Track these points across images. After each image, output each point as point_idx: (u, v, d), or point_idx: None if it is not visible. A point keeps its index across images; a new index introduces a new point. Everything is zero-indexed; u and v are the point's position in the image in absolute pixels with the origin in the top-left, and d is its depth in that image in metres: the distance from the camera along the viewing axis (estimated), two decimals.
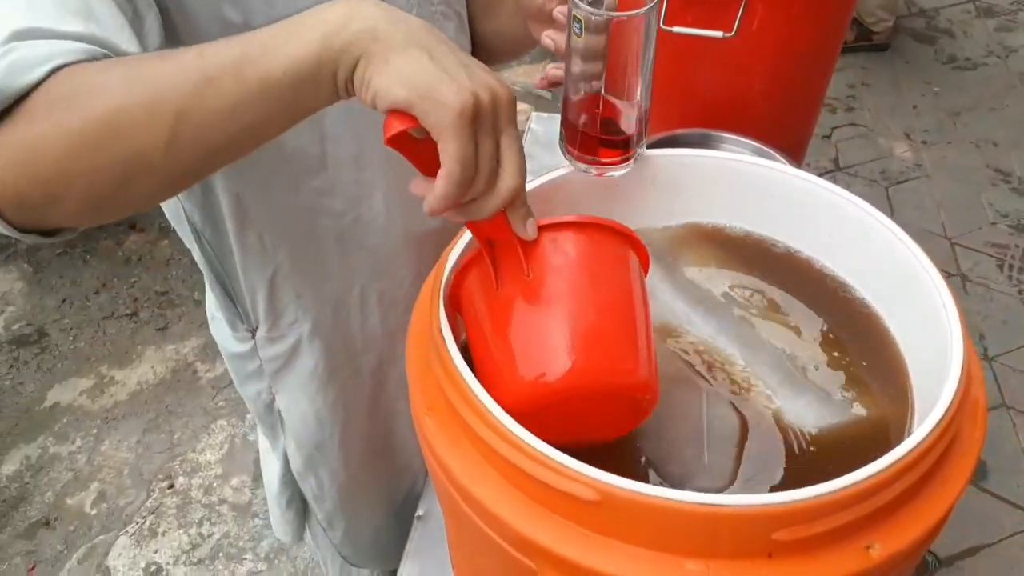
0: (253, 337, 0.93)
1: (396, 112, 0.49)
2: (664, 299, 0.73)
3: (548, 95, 2.77)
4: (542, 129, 1.76)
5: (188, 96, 0.49)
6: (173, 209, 0.85)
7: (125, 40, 0.57)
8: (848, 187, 0.72)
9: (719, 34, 1.15)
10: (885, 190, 2.58)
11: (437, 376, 0.59)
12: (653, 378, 0.59)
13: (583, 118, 0.68)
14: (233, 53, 0.50)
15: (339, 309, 0.93)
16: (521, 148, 0.52)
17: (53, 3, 0.55)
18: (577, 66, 0.65)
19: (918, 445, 0.49)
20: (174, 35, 0.68)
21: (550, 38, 0.75)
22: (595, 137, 0.69)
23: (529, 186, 0.75)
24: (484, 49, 0.96)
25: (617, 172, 0.71)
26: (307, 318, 0.92)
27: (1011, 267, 2.32)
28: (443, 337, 0.60)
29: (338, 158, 0.81)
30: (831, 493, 0.47)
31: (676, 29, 1.16)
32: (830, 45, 1.41)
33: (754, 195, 0.78)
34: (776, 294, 0.75)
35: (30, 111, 0.50)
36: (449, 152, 0.48)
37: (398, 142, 0.51)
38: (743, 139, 1.12)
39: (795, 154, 1.51)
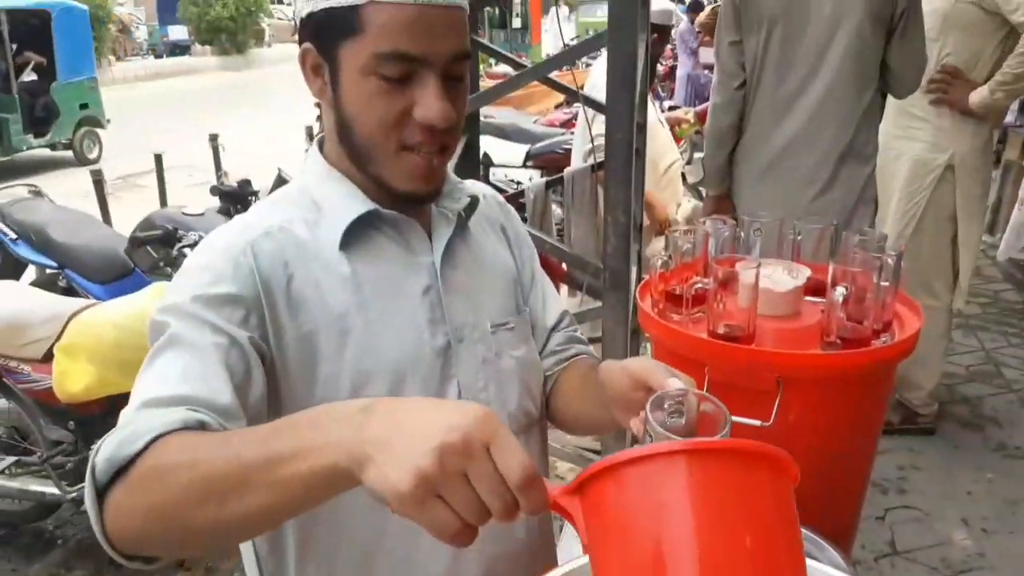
0: None
1: None
2: None
3: (597, 456, 2.83)
4: None
5: (228, 492, 0.62)
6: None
7: (226, 396, 0.75)
8: (907, 573, 0.72)
9: (757, 423, 1.24)
10: None
11: None
12: None
13: None
14: (260, 459, 0.62)
15: None
16: (511, 455, 0.56)
17: (179, 374, 0.75)
18: None
19: None
20: (273, 385, 0.87)
21: (639, 427, 0.85)
22: None
23: (572, 564, 0.79)
24: (575, 428, 1.12)
25: None
26: None
27: None
28: None
29: None
30: None
31: None
32: (867, 433, 1.48)
33: None
34: None
35: (130, 478, 0.66)
36: (423, 525, 0.56)
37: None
38: None
39: (843, 537, 1.50)
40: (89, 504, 0.67)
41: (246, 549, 0.98)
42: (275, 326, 0.86)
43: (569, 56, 2.54)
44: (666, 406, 0.76)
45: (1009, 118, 4.84)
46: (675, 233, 1.60)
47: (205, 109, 9.28)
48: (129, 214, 5.62)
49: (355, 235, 0.92)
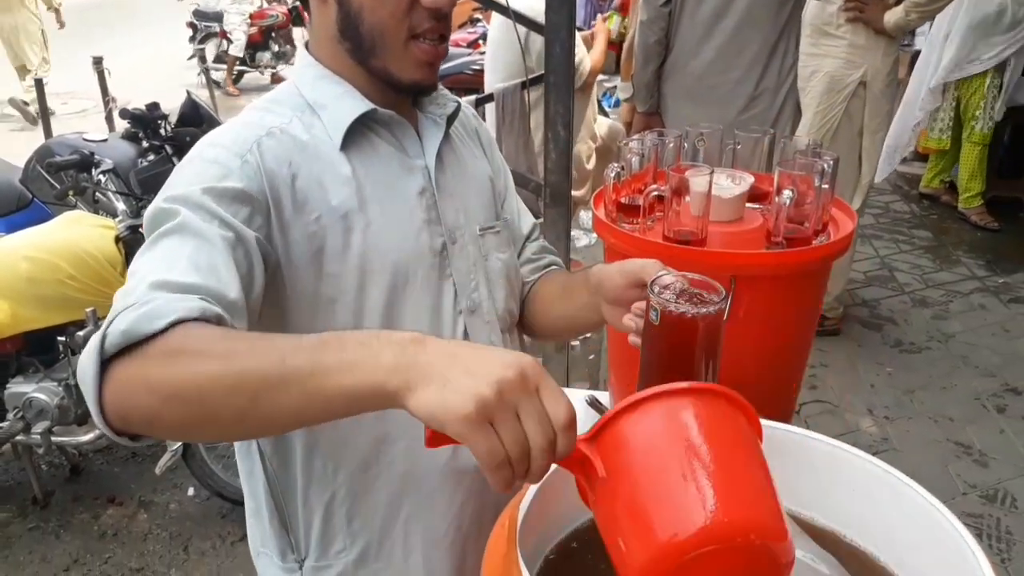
0: (300, 568, 0.98)
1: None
2: None
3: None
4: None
5: (263, 391, 0.62)
6: (244, 444, 0.95)
7: (235, 292, 0.74)
8: None
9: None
10: None
11: None
12: (787, 535, 0.61)
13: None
14: (306, 365, 0.62)
15: (384, 540, 0.98)
16: (557, 399, 0.60)
17: (188, 260, 0.73)
18: (652, 351, 0.77)
19: None
20: (277, 283, 0.87)
21: (632, 320, 0.89)
22: None
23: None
24: (546, 332, 1.15)
25: None
26: (354, 548, 0.98)
27: (989, 536, 2.38)
28: None
29: None
30: None
31: None
32: (807, 328, 1.58)
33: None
34: (828, 560, 0.80)
35: (147, 354, 0.64)
36: (473, 451, 0.59)
37: (437, 444, 0.63)
38: None
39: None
40: (88, 374, 0.64)
41: (251, 464, 0.98)
42: (281, 224, 0.86)
43: None
44: (665, 289, 0.80)
45: None
46: (624, 146, 1.63)
47: (73, 33, 8.57)
48: (7, 144, 5.22)
49: (353, 136, 0.93)
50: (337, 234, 0.89)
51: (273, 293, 0.87)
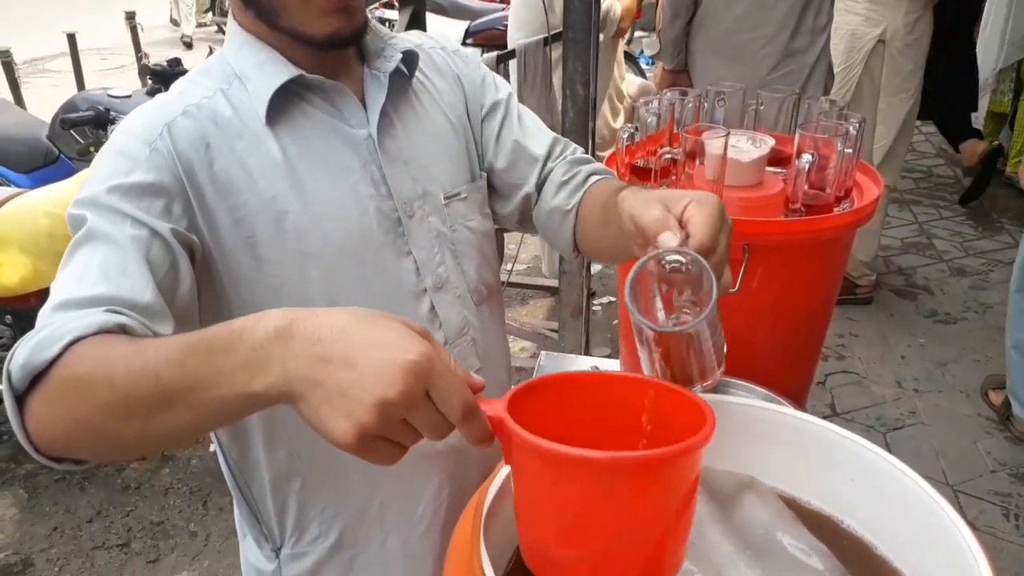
0: (277, 556, 0.96)
1: None
2: (713, 539, 0.75)
3: (555, 335, 2.88)
4: (550, 366, 1.83)
5: (152, 413, 0.59)
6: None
7: (149, 295, 0.70)
8: None
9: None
10: (883, 436, 2.62)
11: None
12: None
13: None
14: (181, 381, 0.58)
15: (359, 525, 0.95)
16: (448, 399, 0.56)
17: (97, 269, 0.69)
18: (645, 353, 0.72)
19: None
20: (212, 272, 0.83)
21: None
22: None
23: None
24: (604, 259, 1.07)
25: None
26: (330, 534, 0.95)
27: (1017, 516, 2.31)
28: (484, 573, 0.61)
29: None
30: None
31: None
32: (826, 300, 1.52)
33: (781, 446, 0.82)
34: (819, 550, 0.76)
35: (48, 385, 0.62)
36: (365, 459, 0.56)
37: None
38: (752, 386, 1.18)
39: (798, 400, 1.57)
40: (9, 410, 0.63)
41: (217, 448, 0.96)
42: (204, 212, 0.80)
43: None
44: (659, 266, 0.74)
45: None
46: (640, 106, 1.56)
47: None
48: (42, 100, 5.27)
49: (282, 107, 0.85)
50: (268, 219, 0.83)
51: (212, 283, 0.83)
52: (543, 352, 1.91)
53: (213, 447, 2.68)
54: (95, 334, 0.63)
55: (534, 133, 1.05)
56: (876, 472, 0.76)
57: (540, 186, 1.04)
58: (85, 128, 2.53)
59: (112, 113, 2.49)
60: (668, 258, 0.70)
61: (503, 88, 1.05)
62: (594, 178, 1.03)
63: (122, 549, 2.30)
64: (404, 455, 0.58)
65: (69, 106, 2.89)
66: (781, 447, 0.83)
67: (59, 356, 0.61)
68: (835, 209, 1.42)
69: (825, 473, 0.81)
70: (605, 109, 3.45)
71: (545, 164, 1.04)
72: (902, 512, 0.73)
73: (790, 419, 0.83)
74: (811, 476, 0.83)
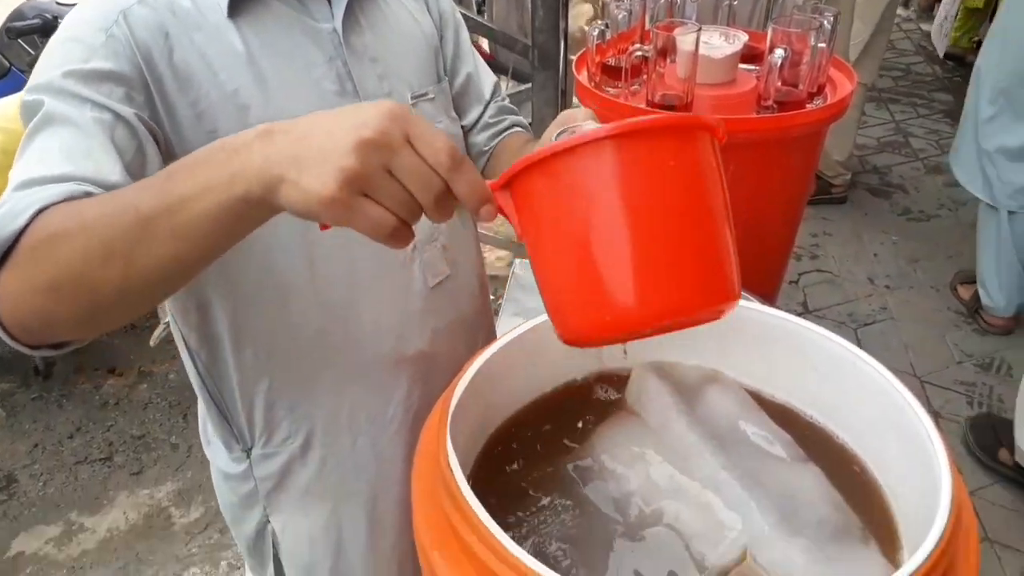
0: (248, 457, 0.96)
1: None
2: (679, 429, 0.76)
3: None
4: (525, 273, 1.83)
5: (133, 248, 0.57)
6: (174, 331, 0.93)
7: (117, 175, 0.67)
8: None
9: None
10: (854, 332, 2.67)
11: (447, 512, 0.61)
12: (727, 294, 0.56)
13: None
14: (161, 205, 0.56)
15: (329, 427, 0.96)
16: (431, 142, 0.53)
17: (59, 151, 0.66)
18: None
19: (918, 568, 0.51)
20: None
21: None
22: None
23: (519, 330, 0.80)
24: None
25: None
26: (299, 434, 0.95)
27: (980, 403, 2.38)
28: (452, 472, 0.62)
29: (326, 278, 0.87)
30: None
31: None
32: (797, 198, 1.52)
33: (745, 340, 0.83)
34: (782, 439, 0.78)
35: (17, 258, 0.59)
36: (357, 230, 0.53)
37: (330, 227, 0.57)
38: None
39: (769, 298, 1.58)
40: None
41: (183, 353, 0.94)
42: (165, 104, 0.77)
43: None
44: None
45: None
46: (611, 2, 1.51)
47: None
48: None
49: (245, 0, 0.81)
50: (230, 114, 0.79)
51: None
52: (517, 260, 1.90)
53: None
54: (62, 202, 0.60)
55: (482, 73, 1.08)
56: (840, 363, 0.77)
57: (473, 123, 1.08)
58: (34, 37, 2.41)
59: (59, 20, 2.38)
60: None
61: (456, 11, 1.07)
62: (515, 129, 1.09)
63: (105, 463, 2.33)
64: (400, 231, 0.54)
65: (16, 15, 2.75)
66: (748, 342, 0.84)
67: (26, 227, 0.59)
68: (808, 106, 1.40)
69: (790, 367, 0.82)
70: (580, 11, 3.34)
71: (487, 106, 1.08)
72: (864, 401, 0.75)
73: (757, 314, 0.83)
74: (776, 370, 0.84)
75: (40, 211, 0.59)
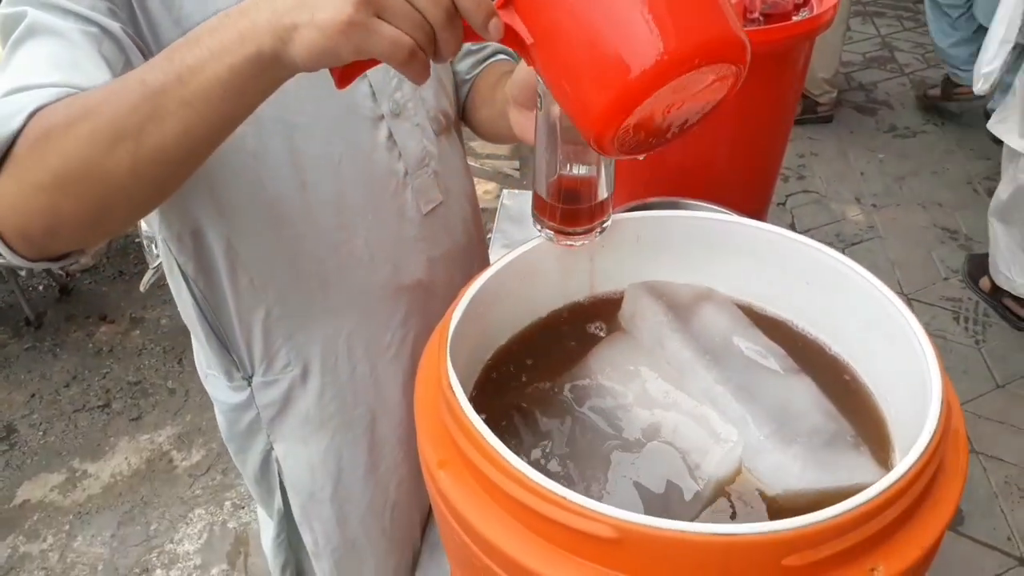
0: (249, 385, 0.97)
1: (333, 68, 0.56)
2: (673, 347, 0.77)
3: (516, 173, 2.86)
4: (513, 204, 1.82)
5: (143, 125, 0.56)
6: (167, 264, 0.92)
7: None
8: None
9: None
10: (842, 251, 2.68)
11: (450, 430, 0.61)
12: (741, 38, 0.56)
13: (549, 189, 0.73)
14: (170, 76, 0.55)
15: (327, 354, 0.96)
16: None
17: (46, 61, 0.64)
18: (543, 139, 0.70)
19: (911, 468, 0.53)
20: None
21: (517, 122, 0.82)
22: (559, 208, 0.73)
23: (508, 258, 0.80)
24: (487, 137, 1.05)
25: (578, 242, 0.75)
26: (299, 362, 0.96)
27: (966, 319, 2.42)
28: (454, 391, 0.62)
29: (318, 203, 0.87)
30: (834, 517, 0.50)
31: None
32: (785, 114, 1.50)
33: (730, 253, 0.83)
34: (775, 352, 0.78)
35: (17, 156, 0.58)
36: (377, 54, 0.53)
37: (346, 81, 0.58)
38: (710, 206, 1.18)
39: (758, 219, 1.58)
40: None
41: (177, 285, 0.93)
42: (149, 24, 0.75)
43: None
44: None
45: None
46: None
47: None
48: None
49: None
50: None
51: None
52: (505, 191, 1.89)
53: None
54: (58, 101, 0.59)
55: None
56: (830, 274, 0.77)
57: None
58: None
59: None
60: None
61: None
62: (498, 56, 1.06)
63: (103, 410, 2.34)
64: (417, 56, 0.54)
65: None
66: (739, 257, 0.84)
67: (22, 129, 0.57)
68: (793, 17, 1.38)
69: (781, 279, 0.82)
70: None
71: None
72: (855, 312, 0.76)
73: (747, 228, 0.83)
74: (767, 283, 0.84)
75: (35, 112, 0.58)
